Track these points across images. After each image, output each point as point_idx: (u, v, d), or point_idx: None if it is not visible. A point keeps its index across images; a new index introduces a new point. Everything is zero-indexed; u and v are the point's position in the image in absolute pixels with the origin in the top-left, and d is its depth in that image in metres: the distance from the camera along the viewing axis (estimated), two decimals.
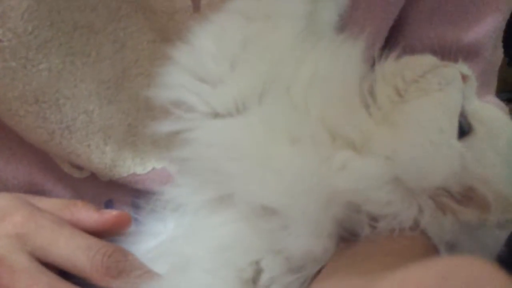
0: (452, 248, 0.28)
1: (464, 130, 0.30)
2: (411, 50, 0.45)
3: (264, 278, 0.28)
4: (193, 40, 0.32)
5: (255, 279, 0.29)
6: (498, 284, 0.15)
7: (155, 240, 0.33)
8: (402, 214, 0.27)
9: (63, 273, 0.32)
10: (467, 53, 0.44)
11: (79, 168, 0.38)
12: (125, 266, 0.31)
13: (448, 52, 0.44)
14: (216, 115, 0.31)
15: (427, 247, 0.28)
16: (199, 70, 0.31)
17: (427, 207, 0.28)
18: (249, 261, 0.29)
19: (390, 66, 0.33)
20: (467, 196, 0.28)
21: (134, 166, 0.38)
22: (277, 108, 0.31)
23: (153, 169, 0.38)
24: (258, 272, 0.29)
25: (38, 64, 0.32)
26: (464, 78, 0.32)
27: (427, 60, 0.33)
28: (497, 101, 0.48)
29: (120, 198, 0.39)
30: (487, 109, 0.33)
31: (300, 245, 0.27)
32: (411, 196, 0.28)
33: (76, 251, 0.31)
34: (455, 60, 0.44)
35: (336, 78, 0.32)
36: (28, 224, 0.32)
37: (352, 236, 0.28)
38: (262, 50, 0.32)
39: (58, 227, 0.32)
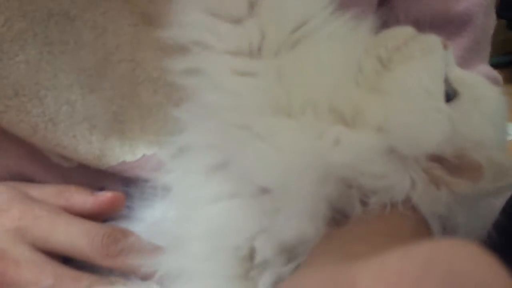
0: (446, 222, 0.28)
1: (449, 96, 0.30)
2: (400, 24, 0.45)
3: (258, 257, 0.28)
4: None
5: (251, 257, 0.29)
6: (482, 269, 0.14)
7: (149, 222, 0.33)
8: (395, 188, 0.27)
9: (66, 260, 0.33)
10: (458, 22, 0.44)
11: (68, 158, 0.37)
12: (124, 244, 0.32)
13: (437, 23, 0.43)
14: (232, 53, 0.30)
15: (418, 225, 0.28)
16: (217, 8, 0.30)
17: (420, 181, 0.27)
18: (244, 239, 0.29)
19: (372, 38, 0.33)
20: (460, 166, 0.27)
21: (123, 154, 0.37)
22: (289, 68, 0.30)
23: (144, 155, 0.38)
24: (252, 250, 0.29)
25: (14, 57, 0.31)
26: (445, 45, 0.32)
27: (408, 30, 0.34)
28: (490, 70, 0.48)
29: (111, 186, 0.38)
30: (468, 75, 0.33)
31: (293, 227, 0.27)
32: (404, 169, 0.28)
33: (76, 237, 0.32)
34: (445, 31, 0.44)
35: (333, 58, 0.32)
36: (25, 216, 0.32)
37: (343, 217, 0.28)
38: None
39: (55, 216, 0.33)
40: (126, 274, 0.32)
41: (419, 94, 0.29)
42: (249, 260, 0.29)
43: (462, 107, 0.29)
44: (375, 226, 0.27)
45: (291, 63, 0.30)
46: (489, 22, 0.46)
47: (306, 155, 0.27)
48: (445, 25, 0.44)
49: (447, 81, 0.30)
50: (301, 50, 0.31)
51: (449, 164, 0.28)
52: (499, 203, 0.32)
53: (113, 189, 0.38)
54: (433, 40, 0.32)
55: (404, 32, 0.33)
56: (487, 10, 0.45)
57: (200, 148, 0.32)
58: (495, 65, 0.49)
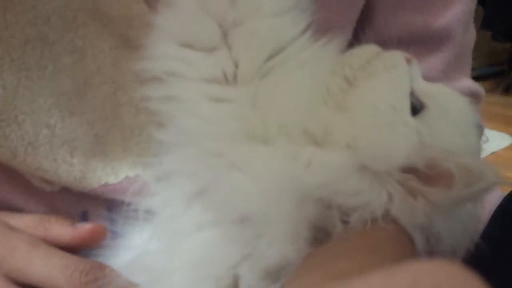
0: (428, 232, 0.28)
1: (416, 108, 0.30)
2: (379, 39, 0.45)
3: (243, 284, 0.28)
4: (175, 1, 0.31)
5: (235, 285, 0.29)
6: None
7: (131, 253, 0.33)
8: (373, 203, 0.27)
9: None
10: (438, 38, 0.44)
11: (50, 182, 0.37)
12: (103, 282, 0.31)
13: (417, 39, 0.44)
14: (206, 80, 0.30)
15: (401, 239, 0.28)
16: (189, 38, 0.31)
17: (397, 193, 0.27)
18: (226, 269, 0.29)
19: (339, 58, 0.33)
20: (432, 175, 0.28)
21: (105, 176, 0.37)
22: (262, 95, 0.30)
23: (126, 177, 0.38)
24: (236, 278, 0.29)
25: None
26: (408, 60, 0.33)
27: (371, 48, 0.34)
28: (472, 83, 0.48)
29: (95, 209, 0.38)
30: (434, 86, 0.34)
31: (275, 252, 0.27)
32: (379, 184, 0.28)
33: (53, 271, 0.31)
34: (425, 47, 0.44)
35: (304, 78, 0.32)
36: (2, 247, 0.31)
37: (325, 237, 0.28)
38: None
39: (32, 248, 0.32)
40: None
41: (384, 109, 0.29)
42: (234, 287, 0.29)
43: (429, 119, 0.30)
44: (357, 242, 0.27)
45: (265, 90, 0.30)
46: (468, 36, 0.47)
47: (281, 180, 0.27)
48: (425, 41, 0.45)
49: (413, 95, 0.31)
50: (275, 77, 0.31)
51: (422, 174, 0.28)
52: (477, 209, 0.32)
53: (96, 213, 0.38)
54: (396, 56, 0.33)
55: (368, 50, 0.34)
56: (465, 25, 0.45)
57: (180, 174, 0.32)
58: (481, 76, 0.50)
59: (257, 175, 0.28)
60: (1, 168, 0.35)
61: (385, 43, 0.45)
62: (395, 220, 0.27)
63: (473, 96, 0.49)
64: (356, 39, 0.40)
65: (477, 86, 0.49)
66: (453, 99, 0.33)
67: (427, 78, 0.44)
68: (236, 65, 0.30)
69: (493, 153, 1.63)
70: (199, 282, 0.29)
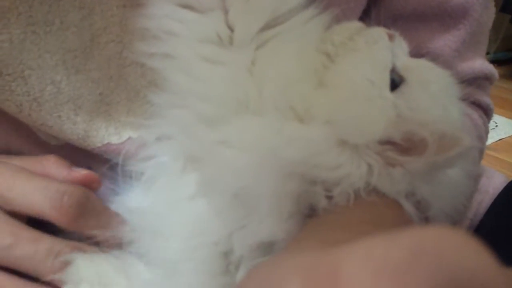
0: (416, 202, 0.29)
1: (395, 83, 0.30)
2: (393, 13, 0.44)
3: (236, 253, 0.29)
4: None
5: (230, 253, 0.29)
6: (472, 258, 0.14)
7: (128, 213, 0.33)
8: (353, 175, 0.28)
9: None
10: (455, 15, 0.43)
11: (55, 136, 0.37)
12: (87, 207, 0.31)
13: (433, 15, 0.43)
14: (200, 41, 0.30)
15: (394, 210, 0.28)
16: None
17: (376, 164, 0.28)
18: (219, 239, 0.29)
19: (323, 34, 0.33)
20: (410, 144, 0.28)
21: (108, 135, 0.37)
22: (258, 64, 0.30)
23: (130, 138, 0.38)
24: (229, 248, 0.29)
25: None
26: (391, 37, 0.33)
27: (353, 24, 0.34)
28: (486, 64, 0.47)
29: (97, 167, 0.38)
30: (417, 61, 0.34)
31: (266, 228, 0.27)
32: (358, 156, 0.28)
33: (34, 192, 0.31)
34: (441, 23, 0.43)
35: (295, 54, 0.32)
36: None
37: (314, 213, 0.28)
38: None
39: (14, 173, 0.32)
40: (89, 239, 0.31)
41: (362, 84, 0.30)
42: (228, 255, 0.29)
43: (408, 92, 0.30)
44: (352, 215, 0.27)
45: (263, 59, 0.30)
46: (487, 15, 0.45)
47: (267, 155, 0.27)
48: (442, 17, 0.43)
49: (394, 70, 0.31)
50: (272, 48, 0.31)
51: (399, 144, 0.28)
52: (459, 175, 0.32)
53: (99, 171, 0.38)
54: (377, 32, 0.33)
55: (350, 26, 0.34)
56: (485, 3, 0.44)
57: (174, 137, 0.32)
58: (496, 61, 0.49)
59: (247, 149, 0.28)
60: (9, 118, 0.35)
61: (399, 18, 0.44)
62: (381, 193, 0.28)
63: (486, 78, 0.48)
64: (366, 16, 0.39)
65: (490, 68, 0.47)
66: (433, 72, 0.33)
67: (439, 55, 0.44)
68: (232, 29, 0.30)
69: (501, 139, 1.62)
70: (193, 249, 0.29)
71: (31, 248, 0.30)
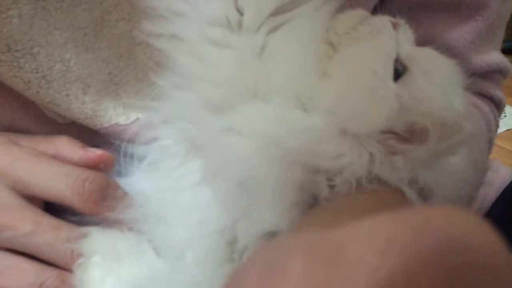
0: (417, 187, 0.28)
1: (399, 72, 0.30)
2: (412, 6, 0.43)
3: (241, 242, 0.29)
4: None
5: (235, 241, 0.29)
6: (478, 237, 0.13)
7: (134, 195, 0.33)
8: (355, 164, 0.27)
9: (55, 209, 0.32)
10: (473, 5, 0.42)
11: (62, 115, 0.37)
12: (108, 193, 0.31)
13: (451, 4, 0.42)
14: (209, 23, 0.30)
15: (399, 197, 0.28)
16: None
17: (377, 153, 0.28)
18: (228, 223, 0.29)
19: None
20: (411, 133, 0.28)
21: (116, 116, 0.37)
22: (267, 50, 0.30)
23: (137, 119, 0.37)
24: (233, 237, 0.29)
25: (7, 10, 0.30)
26: (395, 25, 0.32)
27: (357, 13, 0.33)
28: (500, 58, 0.46)
29: (103, 147, 0.38)
30: (422, 50, 0.33)
31: (270, 217, 0.27)
32: (360, 145, 0.28)
33: (55, 179, 0.31)
34: (459, 14, 0.42)
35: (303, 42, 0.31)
36: (5, 158, 0.31)
37: (315, 201, 0.28)
38: None
39: (35, 158, 0.32)
40: (107, 223, 0.31)
41: (365, 74, 0.29)
42: (232, 244, 0.29)
43: (411, 82, 0.30)
44: (359, 201, 0.27)
45: (273, 45, 0.30)
46: (505, 7, 0.44)
47: (271, 143, 0.27)
48: (460, 7, 0.42)
49: (398, 60, 0.30)
50: (284, 34, 0.30)
51: (402, 132, 0.28)
52: (463, 163, 0.32)
53: (106, 150, 0.38)
54: (381, 21, 0.32)
55: (354, 15, 0.33)
56: None
57: (180, 122, 0.32)
58: (509, 50, 0.48)
59: (252, 137, 0.28)
60: (15, 95, 0.35)
61: (415, 7, 0.43)
62: (383, 181, 0.28)
63: (500, 71, 0.47)
64: (385, 4, 0.38)
65: (506, 61, 0.47)
66: (437, 62, 0.33)
67: (454, 47, 0.43)
68: (241, 13, 0.29)
69: (508, 129, 1.60)
70: (198, 238, 0.29)
71: (51, 236, 0.30)
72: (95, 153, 0.34)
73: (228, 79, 0.29)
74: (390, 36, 0.32)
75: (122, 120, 0.37)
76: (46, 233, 0.30)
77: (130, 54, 0.36)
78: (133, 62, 0.36)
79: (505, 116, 1.63)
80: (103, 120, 0.36)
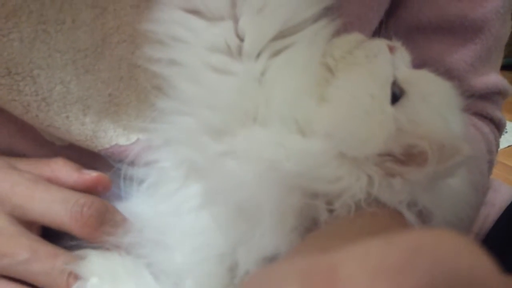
0: (416, 209, 0.28)
1: (396, 96, 0.30)
2: (411, 25, 0.43)
3: (241, 268, 0.29)
4: None
5: (232, 268, 0.29)
6: (469, 260, 0.13)
7: (133, 219, 0.33)
8: (354, 187, 0.27)
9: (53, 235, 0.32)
10: (473, 29, 0.42)
11: (61, 138, 0.37)
12: (106, 217, 0.31)
13: (451, 28, 0.42)
14: (209, 50, 0.30)
15: (397, 220, 0.28)
16: (194, 3, 0.30)
17: (376, 175, 0.28)
18: (228, 248, 0.29)
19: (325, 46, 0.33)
20: (410, 155, 0.28)
21: (116, 137, 0.37)
22: (268, 76, 0.30)
23: (138, 140, 0.37)
24: (234, 262, 0.29)
25: (8, 34, 0.30)
26: (391, 49, 0.33)
27: (354, 36, 0.34)
28: (500, 79, 0.46)
29: (103, 168, 0.38)
30: (418, 73, 0.34)
31: (269, 242, 0.27)
32: (358, 168, 0.28)
33: (53, 204, 0.31)
34: (459, 37, 0.42)
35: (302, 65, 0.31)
36: (3, 184, 0.31)
37: (314, 226, 0.28)
38: None
39: (32, 184, 0.32)
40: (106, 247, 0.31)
41: (363, 99, 0.29)
42: (233, 270, 0.29)
43: (408, 105, 0.30)
44: (352, 226, 0.27)
45: (274, 70, 0.30)
46: (503, 30, 0.45)
47: (269, 168, 0.27)
48: (460, 31, 0.43)
49: (395, 83, 0.31)
50: (285, 58, 0.30)
51: (399, 155, 0.28)
52: (462, 185, 0.32)
53: (103, 172, 0.38)
54: (377, 45, 0.33)
55: (350, 39, 0.33)
56: (503, 18, 0.43)
57: (180, 145, 0.32)
58: (508, 66, 0.48)
59: (251, 161, 0.28)
60: (12, 118, 0.35)
61: (414, 30, 0.43)
62: (382, 203, 0.28)
63: (499, 92, 0.47)
64: (385, 26, 0.39)
65: (505, 83, 0.47)
66: (434, 84, 0.33)
67: (454, 69, 0.43)
68: (241, 39, 0.30)
69: (510, 146, 1.60)
70: (198, 263, 0.29)
71: (48, 264, 0.30)
72: (90, 175, 0.34)
73: (228, 104, 0.29)
74: (387, 60, 0.32)
75: (122, 141, 0.37)
76: (42, 261, 0.30)
77: (131, 76, 0.36)
78: (134, 83, 0.36)
79: (506, 132, 1.62)
80: (103, 141, 0.36)
